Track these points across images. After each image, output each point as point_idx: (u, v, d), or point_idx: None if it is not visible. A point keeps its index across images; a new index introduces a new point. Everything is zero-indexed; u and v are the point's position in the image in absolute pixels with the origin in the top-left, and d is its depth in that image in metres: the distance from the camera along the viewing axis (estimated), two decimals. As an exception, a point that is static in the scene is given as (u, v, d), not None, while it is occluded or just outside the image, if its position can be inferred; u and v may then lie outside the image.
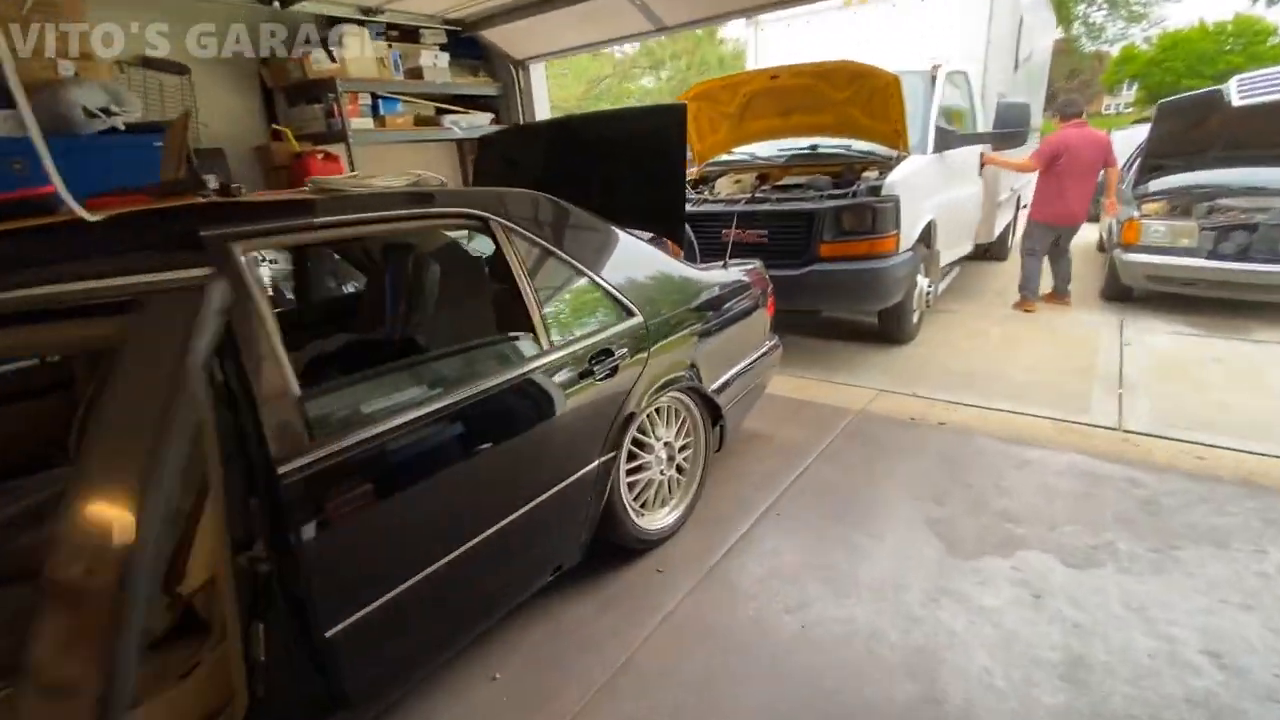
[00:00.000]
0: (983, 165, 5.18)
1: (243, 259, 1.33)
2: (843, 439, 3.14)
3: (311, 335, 2.36)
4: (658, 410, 2.30)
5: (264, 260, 3.28)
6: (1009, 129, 4.74)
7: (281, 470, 1.26)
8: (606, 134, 2.81)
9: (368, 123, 3.88)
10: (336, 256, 2.91)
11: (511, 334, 1.80)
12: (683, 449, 2.44)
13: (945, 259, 4.88)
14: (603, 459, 1.98)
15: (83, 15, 2.60)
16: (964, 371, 3.90)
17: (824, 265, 3.96)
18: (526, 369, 1.75)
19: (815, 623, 1.97)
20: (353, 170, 3.63)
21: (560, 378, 1.84)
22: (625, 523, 2.16)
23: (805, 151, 4.79)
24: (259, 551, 1.29)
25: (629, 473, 2.20)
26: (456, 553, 1.59)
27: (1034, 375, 3.76)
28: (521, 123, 4.62)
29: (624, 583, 2.19)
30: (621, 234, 2.28)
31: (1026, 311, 4.92)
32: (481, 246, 2.14)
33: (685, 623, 2.02)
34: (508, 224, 1.85)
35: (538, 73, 4.91)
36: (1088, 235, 6.36)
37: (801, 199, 4.06)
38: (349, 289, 3.22)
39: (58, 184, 1.09)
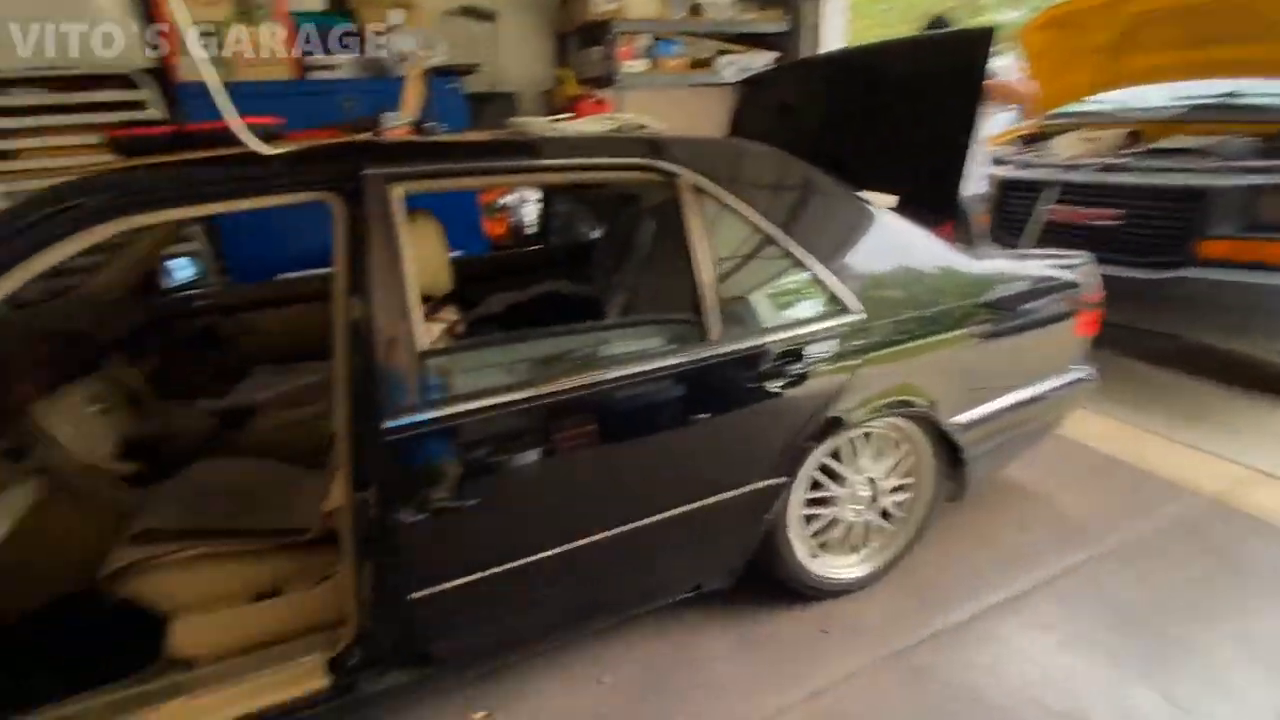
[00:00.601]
0: None
1: (397, 199, 1.29)
2: (1168, 533, 2.14)
3: (529, 282, 2.39)
4: (866, 435, 1.79)
5: (525, 200, 3.52)
6: None
7: (386, 425, 1.21)
8: (887, 71, 2.21)
9: (641, 65, 3.81)
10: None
11: (673, 316, 1.51)
12: (897, 490, 1.88)
13: None
14: (768, 482, 1.60)
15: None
16: None
17: (1207, 271, 2.70)
18: (679, 361, 1.45)
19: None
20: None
21: (722, 377, 1.49)
22: (790, 562, 1.76)
23: (1217, 101, 3.29)
24: (371, 496, 1.28)
25: (810, 503, 1.77)
26: (569, 547, 1.43)
27: None
28: (796, 60, 4.04)
29: (775, 629, 1.81)
30: (868, 207, 1.76)
31: None
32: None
33: (834, 711, 1.58)
34: (701, 183, 1.52)
35: (835, 2, 4.22)
36: None
37: (1188, 168, 2.79)
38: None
39: (231, 119, 1.13)
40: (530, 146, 1.51)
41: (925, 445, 1.86)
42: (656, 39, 3.89)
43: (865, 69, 2.35)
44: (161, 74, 2.75)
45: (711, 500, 1.54)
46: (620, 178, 1.56)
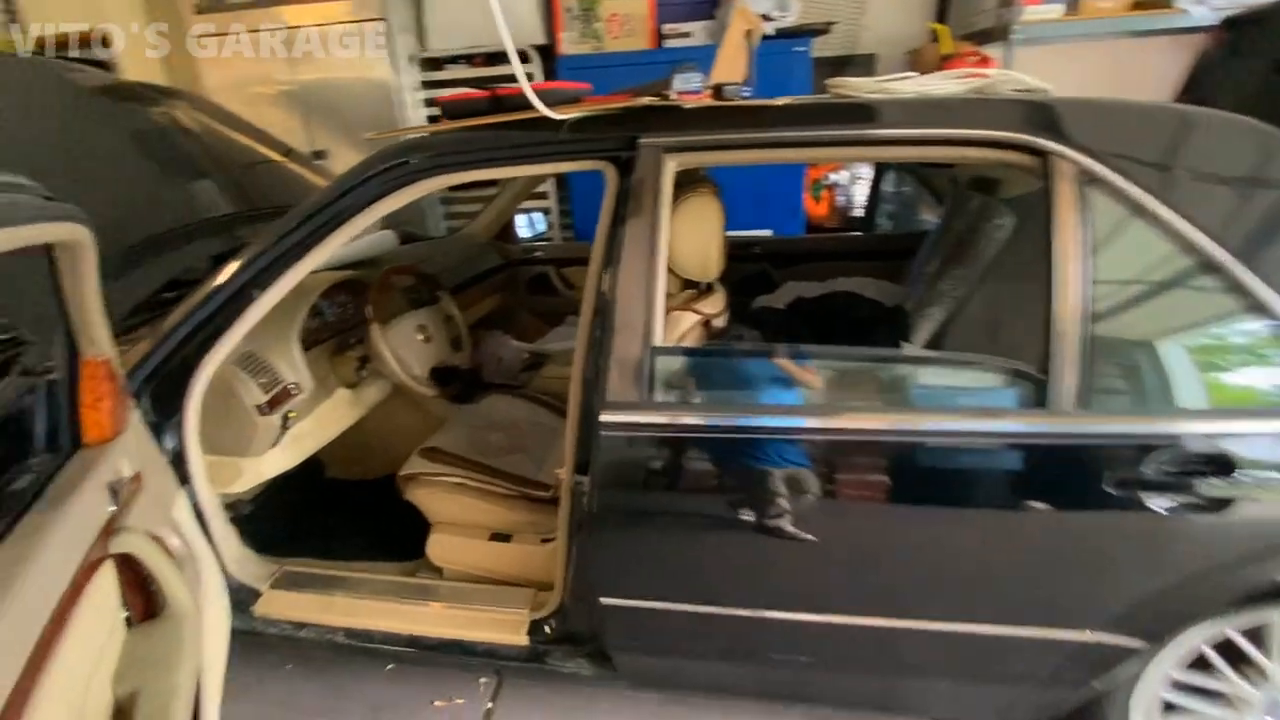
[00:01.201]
0: None
1: (670, 171, 1.15)
2: None
3: (832, 274, 2.07)
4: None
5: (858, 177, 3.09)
6: None
7: (603, 418, 1.11)
8: None
9: (1054, 11, 2.89)
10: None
11: (1007, 360, 1.05)
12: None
13: None
14: (1111, 639, 1.04)
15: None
16: None
17: None
18: (1000, 428, 1.00)
19: None
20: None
21: (1069, 468, 0.99)
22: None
23: None
24: (585, 483, 1.22)
25: (1183, 687, 1.12)
26: (783, 615, 1.17)
27: None
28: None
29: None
30: None
31: None
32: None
33: None
34: (1096, 169, 1.00)
35: None
36: None
37: None
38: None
39: (524, 84, 1.11)
40: (846, 114, 1.20)
41: None
42: (1086, -26, 2.92)
43: None
44: (550, 48, 3.16)
45: (1005, 631, 1.08)
46: (968, 155, 1.13)
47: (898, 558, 1.11)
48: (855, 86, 1.29)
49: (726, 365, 1.19)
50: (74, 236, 0.72)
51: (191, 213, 2.02)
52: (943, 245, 1.78)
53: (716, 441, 1.09)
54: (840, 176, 3.25)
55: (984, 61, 3.08)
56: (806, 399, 1.12)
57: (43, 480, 0.90)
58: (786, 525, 1.08)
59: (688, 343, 1.30)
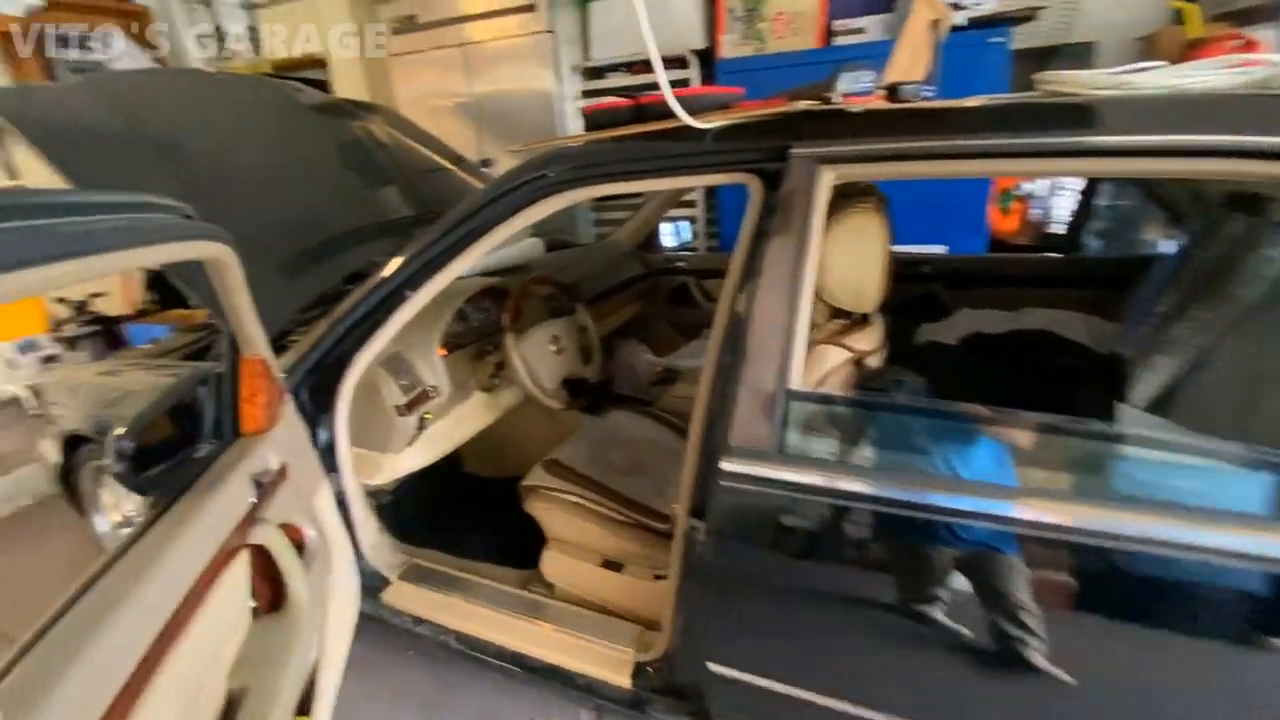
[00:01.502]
0: None
1: (825, 186, 0.99)
2: None
3: (1021, 303, 1.75)
4: None
5: (1060, 188, 2.60)
6: None
7: (724, 465, 0.98)
8: None
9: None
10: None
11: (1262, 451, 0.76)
12: None
13: None
14: None
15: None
16: None
17: None
18: (1253, 547, 0.72)
19: None
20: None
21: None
22: None
23: None
24: (700, 529, 1.11)
25: None
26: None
27: None
28: None
29: None
30: None
31: None
32: None
33: None
34: None
35: None
36: None
37: None
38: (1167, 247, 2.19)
39: (665, 90, 1.03)
40: (1063, 116, 0.95)
41: None
42: None
43: None
44: (710, 52, 3.06)
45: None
46: (1248, 171, 0.84)
47: (1106, 694, 0.85)
48: (1077, 81, 1.03)
49: (878, 420, 1.00)
50: (216, 254, 0.76)
51: (378, 214, 2.21)
52: (1182, 278, 1.40)
53: (861, 513, 0.91)
54: (1036, 185, 2.78)
55: (1249, 47, 2.46)
56: (1001, 470, 0.90)
57: (201, 466, 0.98)
58: (947, 624, 0.88)
59: (832, 383, 1.13)
